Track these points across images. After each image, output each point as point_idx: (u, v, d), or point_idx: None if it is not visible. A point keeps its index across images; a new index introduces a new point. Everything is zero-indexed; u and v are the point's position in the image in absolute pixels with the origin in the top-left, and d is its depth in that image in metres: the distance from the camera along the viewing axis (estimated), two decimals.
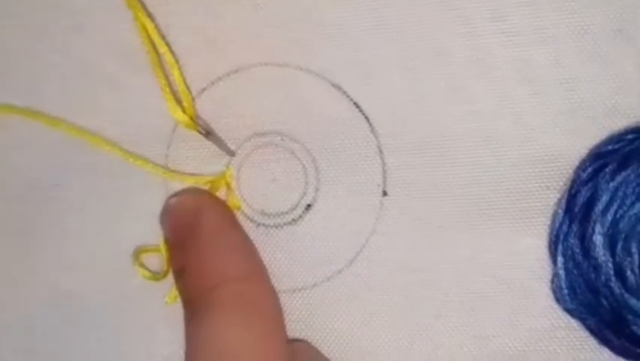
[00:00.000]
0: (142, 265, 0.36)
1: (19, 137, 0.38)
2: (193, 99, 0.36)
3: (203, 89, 0.37)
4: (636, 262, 0.33)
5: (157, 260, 0.36)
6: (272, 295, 0.34)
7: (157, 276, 0.36)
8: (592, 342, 0.34)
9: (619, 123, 0.34)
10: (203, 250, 0.34)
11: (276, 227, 0.37)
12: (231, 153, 0.36)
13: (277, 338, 0.33)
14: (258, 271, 0.35)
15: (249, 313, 0.33)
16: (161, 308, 0.37)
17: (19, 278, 0.38)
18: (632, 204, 0.33)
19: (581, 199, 0.33)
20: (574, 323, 0.34)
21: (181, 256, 0.34)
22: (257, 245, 0.36)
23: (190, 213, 0.35)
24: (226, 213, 0.35)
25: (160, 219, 0.36)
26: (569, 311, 0.34)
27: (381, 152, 0.36)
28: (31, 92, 0.38)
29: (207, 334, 0.32)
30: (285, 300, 0.36)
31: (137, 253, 0.37)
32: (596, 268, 0.33)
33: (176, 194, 0.36)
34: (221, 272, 0.33)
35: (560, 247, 0.34)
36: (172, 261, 0.35)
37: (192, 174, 0.37)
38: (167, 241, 0.35)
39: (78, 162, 0.37)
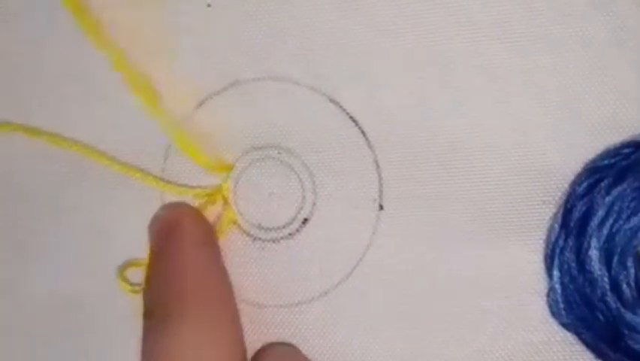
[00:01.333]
0: (124, 279, 0.36)
1: (17, 144, 0.38)
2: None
3: (201, 103, 0.37)
4: (632, 277, 0.33)
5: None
6: (233, 314, 0.34)
7: (137, 289, 0.36)
8: (588, 356, 0.34)
9: (615, 137, 0.34)
10: (173, 261, 0.34)
11: (273, 241, 0.37)
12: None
13: (236, 355, 0.33)
14: (223, 289, 0.34)
15: (209, 328, 0.32)
16: None
17: (16, 283, 0.38)
18: (628, 218, 0.33)
19: (576, 214, 0.33)
20: (570, 337, 0.34)
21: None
22: (253, 259, 0.37)
23: (168, 225, 0.35)
24: (202, 228, 0.35)
25: (148, 231, 0.36)
26: (565, 325, 0.34)
27: (377, 166, 0.36)
28: (25, 106, 0.38)
29: (166, 346, 0.32)
30: (281, 314, 0.36)
31: (124, 267, 0.37)
32: (592, 282, 0.33)
33: (163, 207, 0.36)
34: (186, 286, 0.33)
35: (555, 261, 0.34)
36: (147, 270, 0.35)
37: (189, 187, 0.37)
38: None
39: (77, 172, 0.37)
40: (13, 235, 0.38)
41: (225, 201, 0.37)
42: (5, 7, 0.38)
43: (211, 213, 0.37)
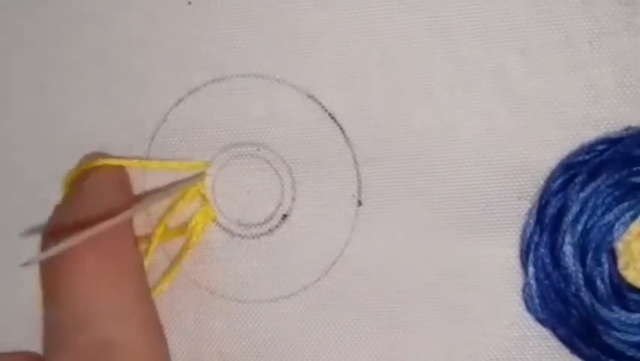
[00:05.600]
0: None
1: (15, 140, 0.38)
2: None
3: (181, 99, 0.37)
4: (606, 273, 0.33)
5: None
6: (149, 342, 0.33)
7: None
8: (563, 351, 0.34)
9: (590, 134, 0.34)
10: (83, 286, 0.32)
11: (253, 237, 0.37)
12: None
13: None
14: (137, 311, 0.33)
15: None
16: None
17: (17, 279, 0.38)
18: (602, 214, 0.33)
19: (551, 210, 0.33)
20: (545, 333, 0.34)
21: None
22: (233, 255, 0.37)
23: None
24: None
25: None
26: (540, 321, 0.34)
27: (356, 162, 0.36)
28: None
29: None
30: (261, 310, 0.37)
31: None
32: (567, 278, 0.33)
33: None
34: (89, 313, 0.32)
35: (530, 257, 0.34)
36: None
37: (168, 186, 0.37)
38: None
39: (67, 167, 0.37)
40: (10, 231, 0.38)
41: (204, 199, 0.37)
42: None
43: (190, 211, 0.37)
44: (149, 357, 0.32)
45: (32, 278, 0.35)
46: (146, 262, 0.36)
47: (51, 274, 0.33)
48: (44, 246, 0.34)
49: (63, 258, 0.32)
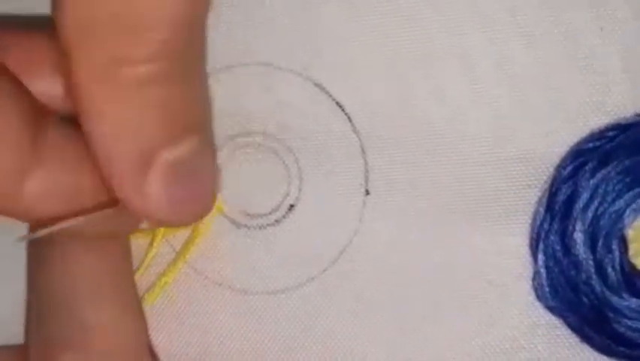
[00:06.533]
0: None
1: None
2: None
3: None
4: (617, 260, 0.33)
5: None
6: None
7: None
8: (573, 339, 0.34)
9: (600, 121, 0.34)
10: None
11: (259, 228, 0.37)
12: None
13: None
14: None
15: None
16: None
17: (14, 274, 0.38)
18: (613, 201, 0.33)
19: (561, 197, 0.33)
20: (555, 321, 0.34)
21: None
22: (239, 246, 0.37)
23: None
24: None
25: None
26: (550, 309, 0.34)
27: (363, 151, 0.36)
28: None
29: None
30: (268, 301, 0.36)
31: None
32: (577, 265, 0.33)
33: None
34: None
35: (540, 245, 0.34)
36: None
37: None
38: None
39: None
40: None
41: None
42: None
43: None
44: (128, 339, 0.32)
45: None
46: (151, 254, 0.36)
47: (34, 260, 0.33)
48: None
49: (47, 244, 0.32)
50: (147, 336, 0.34)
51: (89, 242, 0.32)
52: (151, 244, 0.36)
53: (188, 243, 0.37)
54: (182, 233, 0.37)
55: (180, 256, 0.37)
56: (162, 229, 0.36)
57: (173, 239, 0.37)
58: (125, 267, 0.34)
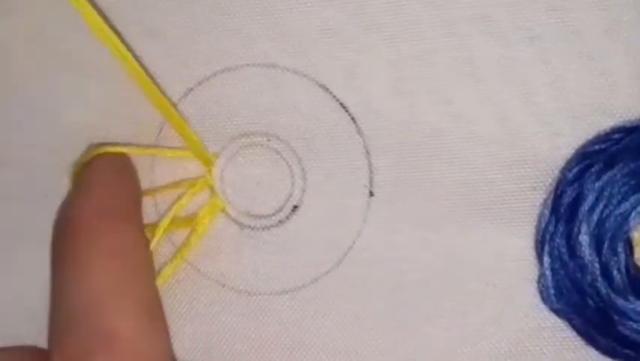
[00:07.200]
0: None
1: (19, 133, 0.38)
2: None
3: (190, 89, 0.37)
4: (622, 262, 0.33)
5: None
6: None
7: None
8: (578, 342, 0.34)
9: (606, 123, 0.34)
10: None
11: (262, 229, 0.37)
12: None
13: None
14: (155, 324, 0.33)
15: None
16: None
17: (12, 276, 0.38)
18: (619, 203, 0.33)
19: (566, 199, 0.33)
20: (560, 323, 0.34)
21: None
22: (242, 247, 0.36)
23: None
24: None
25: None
26: (556, 311, 0.34)
27: (367, 153, 0.36)
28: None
29: None
30: (272, 302, 0.36)
31: None
32: (582, 268, 0.33)
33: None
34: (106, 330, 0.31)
35: (546, 248, 0.33)
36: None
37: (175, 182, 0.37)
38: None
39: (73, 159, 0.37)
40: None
41: (212, 190, 0.36)
42: None
43: (198, 202, 0.36)
44: (152, 349, 0.32)
45: (35, 275, 0.35)
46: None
47: (60, 265, 0.33)
48: (55, 240, 0.34)
49: (73, 249, 0.32)
50: (170, 345, 0.34)
51: (114, 250, 0.32)
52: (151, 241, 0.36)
53: (186, 242, 0.36)
54: (185, 233, 0.37)
55: (177, 254, 0.36)
56: (162, 227, 0.36)
57: (175, 239, 0.37)
58: (148, 277, 0.34)
